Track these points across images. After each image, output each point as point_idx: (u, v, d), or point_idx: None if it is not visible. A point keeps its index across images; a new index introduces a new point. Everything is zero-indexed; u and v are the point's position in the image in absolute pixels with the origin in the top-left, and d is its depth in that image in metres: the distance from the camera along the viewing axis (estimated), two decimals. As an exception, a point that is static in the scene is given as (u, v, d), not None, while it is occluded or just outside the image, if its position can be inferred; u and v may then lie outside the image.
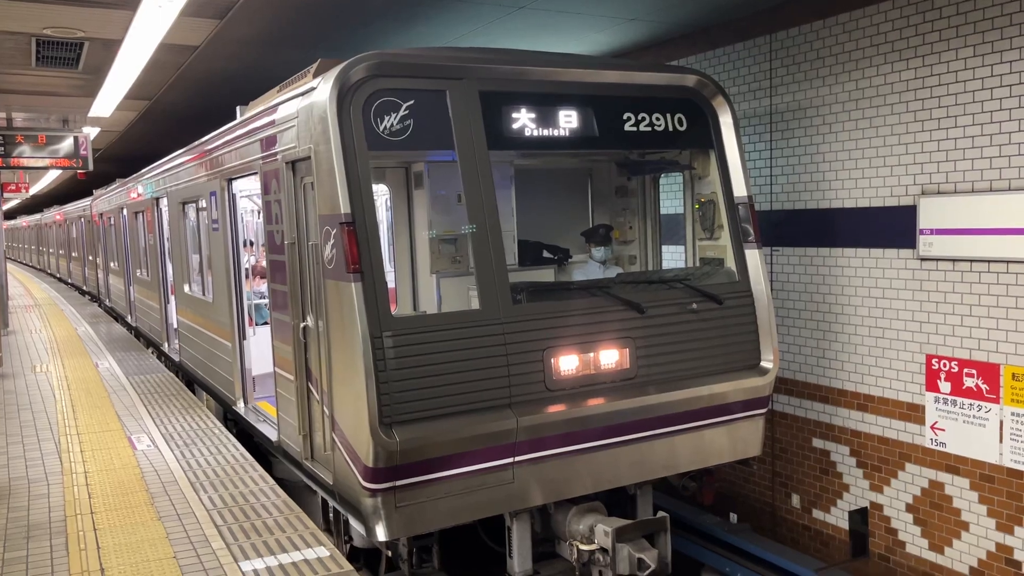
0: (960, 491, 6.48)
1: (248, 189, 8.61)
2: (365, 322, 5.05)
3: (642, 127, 6.35)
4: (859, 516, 7.25)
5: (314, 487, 6.31)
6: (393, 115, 5.38)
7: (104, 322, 16.85)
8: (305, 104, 5.62)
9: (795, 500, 7.96)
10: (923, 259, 6.57)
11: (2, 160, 13.21)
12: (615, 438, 5.91)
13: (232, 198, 8.23)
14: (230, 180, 8.06)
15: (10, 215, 54.44)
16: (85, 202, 23.01)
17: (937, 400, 6.56)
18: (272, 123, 6.40)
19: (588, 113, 6.13)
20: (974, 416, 6.30)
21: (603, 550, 5.74)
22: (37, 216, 40.73)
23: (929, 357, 6.61)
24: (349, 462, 5.31)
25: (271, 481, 6.31)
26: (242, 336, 8.29)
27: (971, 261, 6.23)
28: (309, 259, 5.88)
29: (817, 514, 7.76)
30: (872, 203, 6.96)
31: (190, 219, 10.28)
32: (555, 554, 6.29)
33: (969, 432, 6.34)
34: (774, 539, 7.95)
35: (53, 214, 32.44)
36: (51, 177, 24.17)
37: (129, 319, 16.22)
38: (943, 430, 6.54)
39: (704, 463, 6.49)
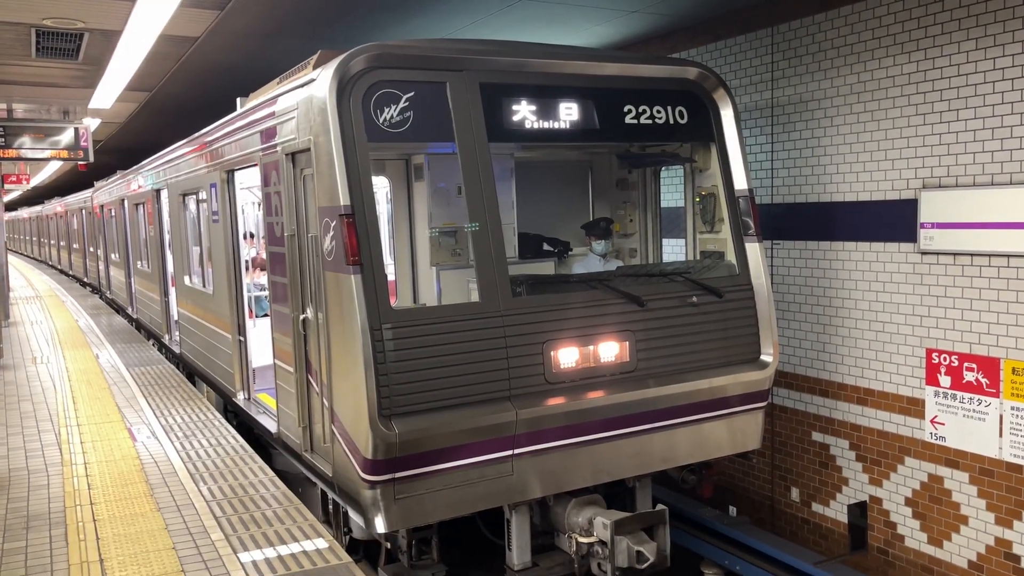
0: (960, 485, 6.48)
1: (248, 181, 8.60)
2: (364, 314, 5.05)
3: (643, 120, 6.33)
4: (858, 510, 7.26)
5: (313, 479, 6.32)
6: (393, 107, 5.37)
7: (105, 314, 16.86)
8: (305, 96, 5.61)
9: (794, 493, 7.96)
10: (924, 253, 6.56)
11: (3, 151, 13.19)
12: (614, 431, 5.91)
13: (232, 190, 8.22)
14: (230, 172, 8.05)
15: (11, 207, 54.41)
16: (86, 194, 23.01)
17: (937, 394, 6.56)
18: (272, 115, 6.39)
19: (589, 105, 6.12)
20: (974, 410, 6.30)
21: (602, 543, 5.74)
22: (38, 208, 40.71)
23: (929, 351, 6.60)
24: (348, 454, 5.32)
25: (270, 473, 6.32)
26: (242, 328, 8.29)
27: (972, 255, 6.22)
28: (309, 251, 5.87)
29: (816, 508, 7.76)
30: (873, 197, 6.94)
31: (190, 211, 10.27)
32: (554, 546, 6.30)
33: (969, 426, 6.34)
34: (773, 532, 7.96)
35: (54, 206, 32.43)
36: (52, 169, 24.16)
37: (130, 311, 16.23)
38: (943, 424, 6.54)
39: (703, 456, 6.49)
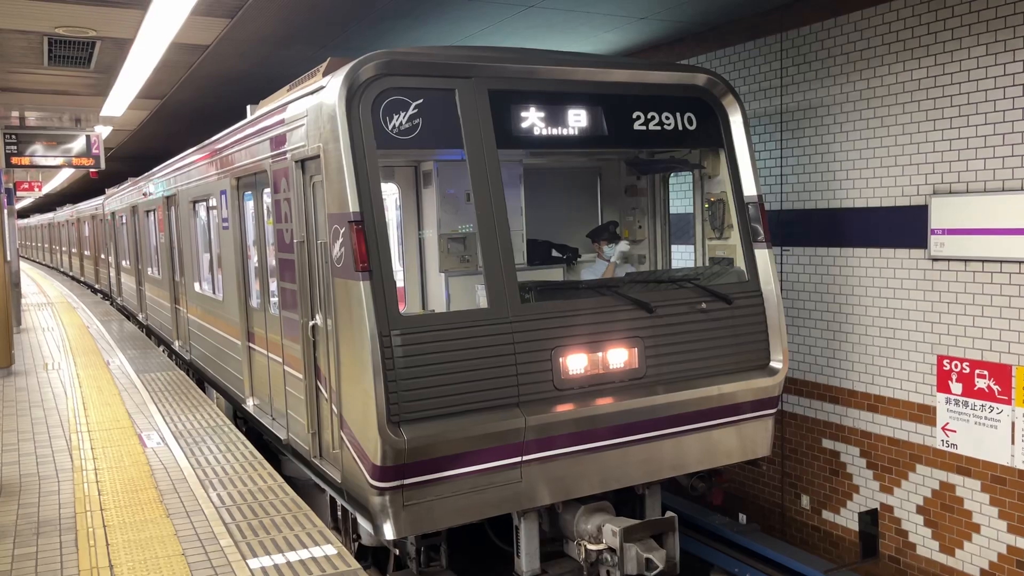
0: (971, 493, 6.43)
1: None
2: (374, 320, 5.05)
3: (652, 126, 6.33)
4: (869, 517, 7.21)
5: (322, 485, 6.32)
6: (402, 114, 5.38)
7: (116, 320, 16.94)
8: (314, 103, 5.63)
9: (804, 501, 7.92)
10: (934, 259, 6.53)
11: (15, 159, 13.29)
12: (623, 438, 5.89)
13: (242, 197, 8.25)
14: (240, 179, 8.08)
15: (23, 214, 54.76)
16: (97, 201, 23.14)
17: (948, 401, 6.52)
18: (282, 122, 6.41)
19: (598, 112, 6.12)
20: (986, 417, 6.26)
21: (611, 550, 5.73)
22: (50, 215, 40.96)
23: (940, 358, 6.56)
24: (357, 460, 5.32)
25: (279, 479, 6.33)
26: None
27: (983, 261, 6.19)
28: (318, 258, 5.89)
29: (827, 515, 7.72)
30: (883, 203, 6.92)
31: (200, 218, 10.32)
32: (563, 554, 6.28)
33: (981, 433, 6.30)
34: (783, 540, 7.92)
35: (65, 213, 32.62)
36: (64, 176, 24.31)
37: (140, 317, 16.30)
38: (954, 431, 6.49)
39: (713, 463, 6.46)
